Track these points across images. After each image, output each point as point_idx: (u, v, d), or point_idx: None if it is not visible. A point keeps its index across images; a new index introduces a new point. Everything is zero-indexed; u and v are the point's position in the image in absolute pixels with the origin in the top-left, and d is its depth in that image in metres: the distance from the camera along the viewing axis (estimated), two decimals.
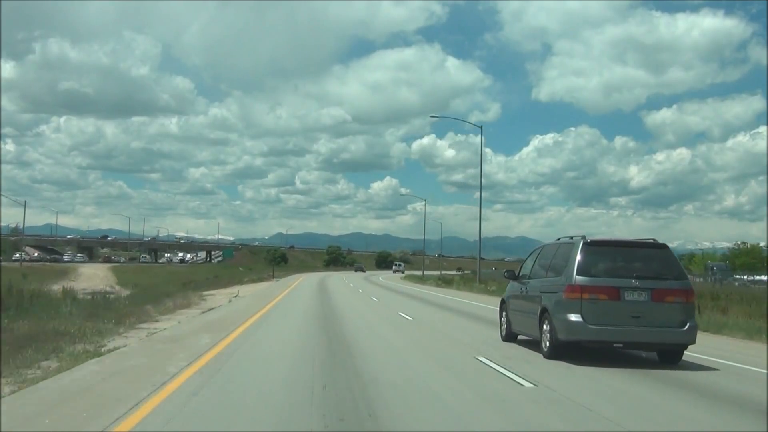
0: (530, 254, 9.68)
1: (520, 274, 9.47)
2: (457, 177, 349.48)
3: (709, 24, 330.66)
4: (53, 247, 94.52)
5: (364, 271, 76.42)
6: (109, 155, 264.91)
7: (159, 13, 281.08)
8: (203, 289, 23.45)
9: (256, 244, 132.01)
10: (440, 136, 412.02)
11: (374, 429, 4.04)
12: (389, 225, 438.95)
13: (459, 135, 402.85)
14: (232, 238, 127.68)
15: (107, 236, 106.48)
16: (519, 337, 9.14)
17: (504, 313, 9.69)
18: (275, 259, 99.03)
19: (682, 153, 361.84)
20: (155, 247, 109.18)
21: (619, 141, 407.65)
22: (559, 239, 8.91)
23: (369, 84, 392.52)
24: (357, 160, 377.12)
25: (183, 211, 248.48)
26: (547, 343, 7.55)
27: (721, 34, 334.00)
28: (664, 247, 7.67)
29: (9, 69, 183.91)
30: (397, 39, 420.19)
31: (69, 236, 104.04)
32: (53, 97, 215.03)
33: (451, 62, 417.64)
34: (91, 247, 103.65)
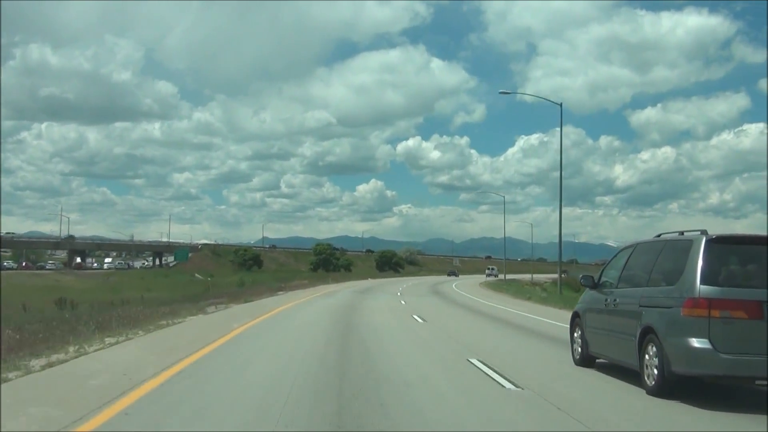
0: (616, 255, 9.35)
1: (602, 281, 9.18)
2: (443, 178, 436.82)
3: (693, 22, 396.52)
4: None
5: (458, 275, 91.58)
6: (91, 161, 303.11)
7: (141, 16, 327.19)
8: None
9: (216, 243, 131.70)
10: (425, 137, 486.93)
11: None
12: (375, 227, 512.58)
13: (444, 137, 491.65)
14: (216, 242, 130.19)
15: (11, 234, 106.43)
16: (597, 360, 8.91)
17: (577, 331, 9.53)
18: (245, 262, 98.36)
19: (667, 151, 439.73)
20: (79, 249, 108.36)
21: (604, 140, 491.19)
22: (659, 235, 8.49)
23: (354, 86, 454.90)
24: (342, 163, 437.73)
25: (168, 216, 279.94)
26: (654, 376, 7.07)
27: (705, 32, 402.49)
28: None
29: None
30: (382, 40, 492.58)
31: None
32: (34, 104, 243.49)
33: (436, 63, 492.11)
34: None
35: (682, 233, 7.71)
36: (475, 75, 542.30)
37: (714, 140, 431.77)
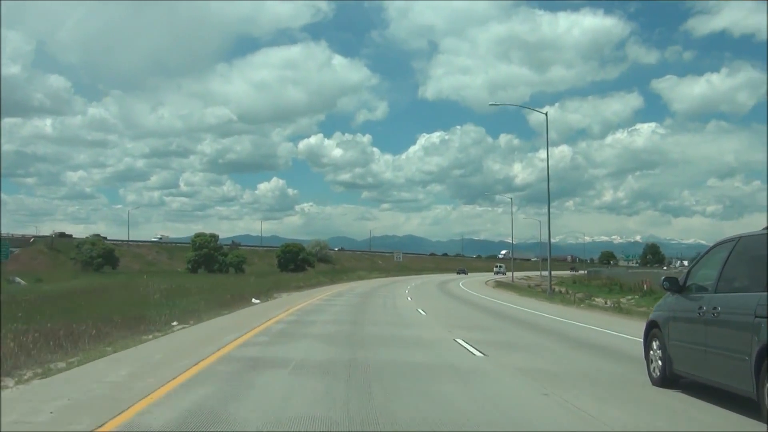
0: (708, 252, 9.44)
1: (689, 284, 9.31)
2: (345, 177, 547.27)
3: (589, 23, 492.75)
4: None
5: (467, 273, 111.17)
6: None
7: (32, 8, 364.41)
8: None
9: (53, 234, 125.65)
10: (327, 135, 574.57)
11: None
12: (277, 226, 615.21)
13: (346, 134, 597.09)
14: None
15: None
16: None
17: (657, 344, 9.74)
18: (92, 260, 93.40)
19: (564, 150, 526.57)
20: None
21: (504, 139, 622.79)
22: None
23: (254, 82, 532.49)
24: (243, 161, 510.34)
25: (61, 216, 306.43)
26: None
27: (601, 33, 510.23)
28: None
29: None
30: (283, 36, 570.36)
31: None
32: None
33: (338, 60, 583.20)
34: None
35: None
36: (377, 72, 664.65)
37: (608, 139, 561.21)
